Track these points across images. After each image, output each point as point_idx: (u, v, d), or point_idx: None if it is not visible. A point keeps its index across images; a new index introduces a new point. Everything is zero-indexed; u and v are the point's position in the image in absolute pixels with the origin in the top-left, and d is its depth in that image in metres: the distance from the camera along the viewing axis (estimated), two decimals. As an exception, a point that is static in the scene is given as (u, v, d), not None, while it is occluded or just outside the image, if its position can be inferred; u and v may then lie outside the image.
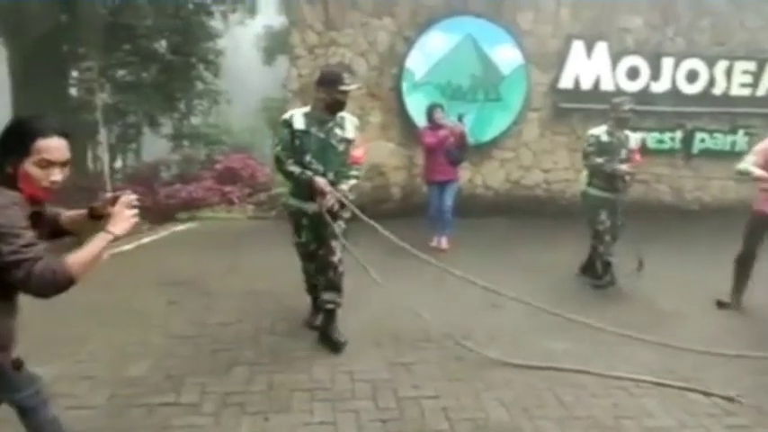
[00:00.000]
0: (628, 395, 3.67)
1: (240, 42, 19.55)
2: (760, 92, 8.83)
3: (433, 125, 6.74)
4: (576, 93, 8.41)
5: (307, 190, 3.99)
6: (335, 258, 4.10)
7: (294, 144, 3.98)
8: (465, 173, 8.24)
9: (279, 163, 4.06)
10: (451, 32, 8.21)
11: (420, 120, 7.45)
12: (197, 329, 4.45)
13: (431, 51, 8.21)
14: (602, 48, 8.43)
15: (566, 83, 8.50)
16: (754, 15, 8.81)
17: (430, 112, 6.80)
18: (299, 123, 3.98)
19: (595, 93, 8.45)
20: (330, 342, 4.12)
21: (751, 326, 4.83)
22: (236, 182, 8.58)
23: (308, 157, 3.98)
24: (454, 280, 5.78)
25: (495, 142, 8.65)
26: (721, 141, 8.93)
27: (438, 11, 8.20)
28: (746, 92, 8.81)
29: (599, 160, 5.45)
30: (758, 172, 4.69)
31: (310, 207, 4.04)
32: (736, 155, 8.55)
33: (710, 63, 8.70)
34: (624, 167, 5.44)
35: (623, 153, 5.51)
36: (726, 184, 8.73)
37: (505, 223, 8.13)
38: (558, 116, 8.57)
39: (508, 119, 8.51)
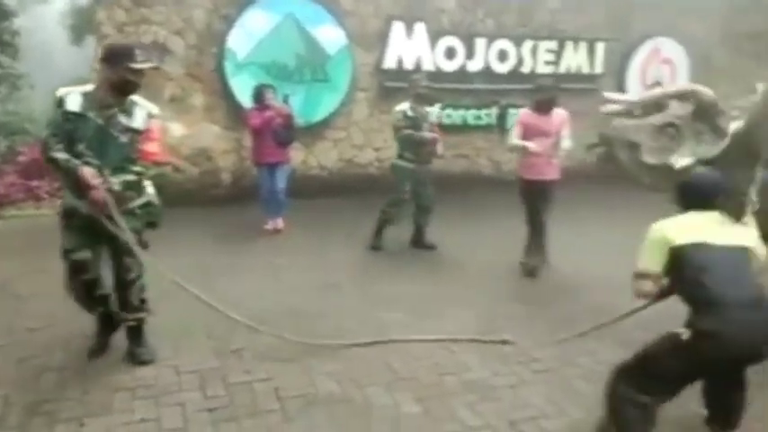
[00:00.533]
0: (449, 353, 3.91)
1: (43, 21, 17.74)
2: (561, 69, 9.73)
3: (260, 106, 6.62)
4: (399, 72, 8.68)
5: (77, 183, 3.30)
6: (131, 276, 3.57)
7: (65, 128, 3.32)
8: (298, 154, 8.21)
9: (44, 149, 3.33)
10: (272, 11, 8.07)
11: (246, 101, 7.26)
12: (3, 337, 4.03)
13: (252, 30, 8.01)
14: (420, 28, 8.78)
15: (389, 63, 8.75)
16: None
17: (259, 92, 6.67)
18: (74, 105, 3.33)
19: (417, 72, 8.78)
20: (137, 361, 3.66)
21: (543, 282, 5.40)
22: (44, 175, 7.74)
23: (80, 147, 3.33)
24: (287, 262, 5.82)
25: (326, 122, 8.70)
26: (530, 116, 9.74)
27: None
28: (550, 69, 9.66)
29: (408, 131, 5.91)
30: (528, 145, 5.26)
31: (84, 205, 3.37)
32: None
33: (518, 43, 9.42)
34: (429, 135, 5.96)
35: (425, 127, 6.01)
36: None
37: (341, 202, 8.24)
38: (384, 96, 8.80)
39: (337, 99, 8.59)
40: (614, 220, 7.03)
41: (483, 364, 3.73)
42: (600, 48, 9.87)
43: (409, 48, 8.79)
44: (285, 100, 6.81)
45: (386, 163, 9.07)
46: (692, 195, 2.93)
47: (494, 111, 9.52)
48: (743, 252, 2.76)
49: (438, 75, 8.81)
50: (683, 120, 3.73)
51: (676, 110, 3.78)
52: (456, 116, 9.25)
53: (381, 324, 4.32)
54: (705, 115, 3.68)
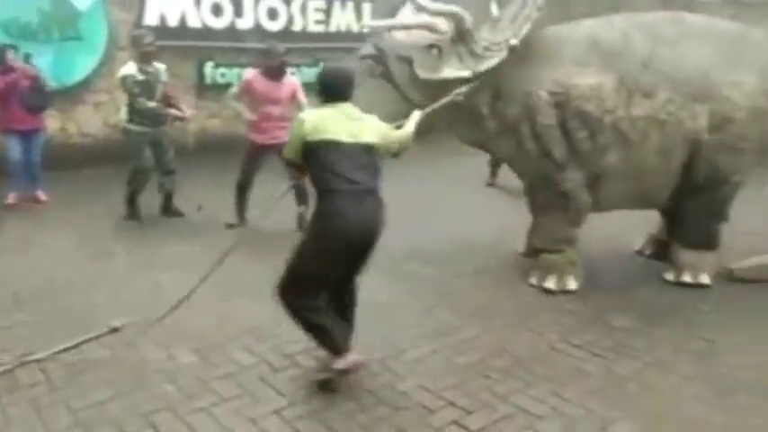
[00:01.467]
0: (228, 304, 3.99)
1: None
2: (332, 28, 9.99)
3: (4, 68, 5.92)
4: (164, 30, 8.23)
5: None
6: None
7: None
8: (54, 121, 7.46)
9: None
10: (8, -38, 7.14)
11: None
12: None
13: (-15, -15, 7.03)
14: (182, -17, 8.39)
15: (150, 20, 8.24)
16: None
17: (1, 54, 5.94)
18: None
19: (183, 30, 8.45)
20: None
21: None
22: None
23: None
24: (49, 238, 5.36)
25: (84, 85, 7.99)
26: (308, 74, 9.90)
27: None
28: (321, 28, 9.87)
29: (142, 100, 5.46)
30: (246, 116, 5.41)
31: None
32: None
33: (287, 1, 9.46)
34: (173, 111, 5.73)
35: (159, 87, 5.66)
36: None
37: (109, 171, 7.67)
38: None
39: (93, 59, 7.90)
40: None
41: (263, 312, 3.84)
42: (367, 7, 10.29)
43: (172, 4, 8.37)
44: (27, 59, 6.16)
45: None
46: (327, 88, 3.14)
47: (267, 69, 9.49)
48: (365, 148, 3.08)
49: (206, 32, 8.56)
50: (444, 42, 4.17)
51: (439, 32, 4.19)
52: (231, 75, 9.07)
53: (158, 287, 4.25)
54: (462, 40, 4.16)
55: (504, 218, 6.07)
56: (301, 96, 5.52)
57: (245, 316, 3.86)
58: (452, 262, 5.03)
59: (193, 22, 8.50)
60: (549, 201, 4.49)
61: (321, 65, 9.93)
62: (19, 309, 3.97)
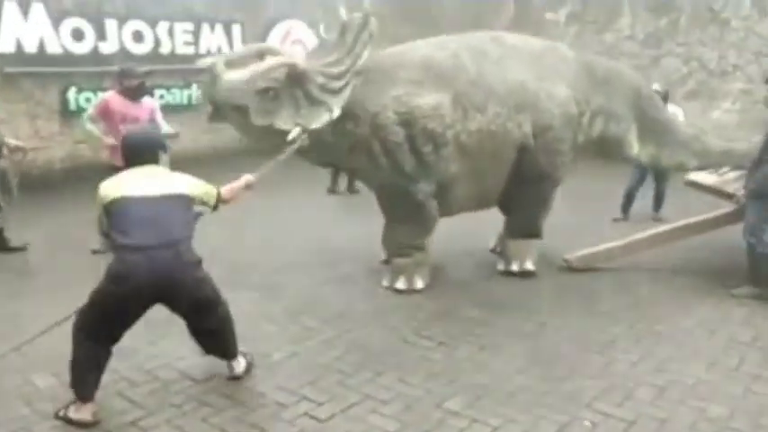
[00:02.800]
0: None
1: None
2: (201, 50, 10.04)
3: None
4: (19, 56, 8.00)
5: None
6: None
7: None
8: None
9: None
10: None
11: None
12: None
13: None
14: (38, 9, 8.18)
15: (6, 47, 7.98)
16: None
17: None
18: None
19: (42, 56, 8.24)
20: None
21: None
22: None
23: None
24: None
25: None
26: (179, 96, 9.90)
27: None
28: (190, 50, 9.90)
29: None
30: (106, 140, 5.35)
31: None
32: (193, 107, 9.67)
33: (153, 24, 9.43)
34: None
35: None
36: (197, 135, 9.66)
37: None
38: (6, 82, 8.01)
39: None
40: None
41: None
42: (236, 29, 10.45)
43: (28, 30, 8.13)
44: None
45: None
46: (129, 153, 3.22)
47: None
48: (168, 200, 3.07)
49: (68, 57, 8.38)
50: (280, 83, 4.22)
51: (274, 74, 4.23)
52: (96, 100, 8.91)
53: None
54: (298, 82, 4.26)
55: (355, 224, 6.47)
56: (159, 118, 5.55)
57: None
58: (315, 271, 5.32)
59: (53, 48, 8.30)
60: (403, 210, 4.80)
61: (194, 86, 10.03)
62: None
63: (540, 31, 11.69)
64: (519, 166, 4.94)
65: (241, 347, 3.54)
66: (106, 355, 3.13)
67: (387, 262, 5.20)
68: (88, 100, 8.69)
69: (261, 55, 4.50)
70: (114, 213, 3.03)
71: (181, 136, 6.01)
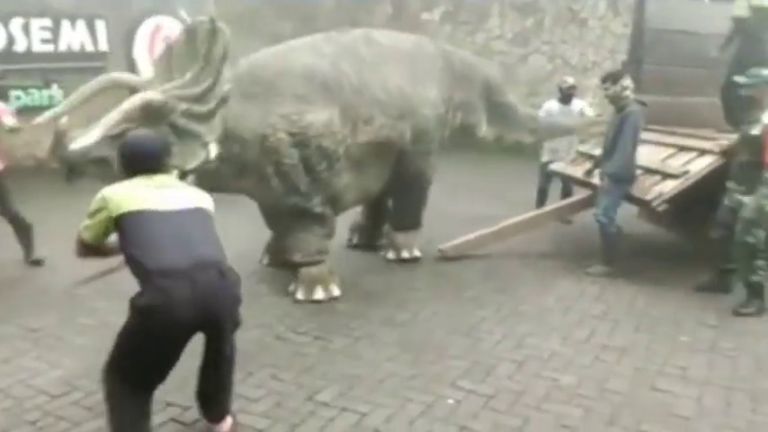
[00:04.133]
0: None
1: None
2: (61, 47, 9.42)
3: None
4: None
5: None
6: None
7: None
8: None
9: None
10: None
11: None
12: None
13: None
14: None
15: None
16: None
17: None
18: None
19: None
20: None
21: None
22: None
23: None
24: None
25: None
26: (38, 97, 9.22)
27: None
28: (49, 48, 9.26)
29: None
30: None
31: None
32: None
33: (5, 21, 8.74)
34: None
35: None
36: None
37: None
38: None
39: None
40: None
41: None
42: (100, 25, 9.88)
43: None
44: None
45: None
46: (135, 159, 2.74)
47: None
48: (192, 214, 2.66)
49: None
50: (138, 122, 3.57)
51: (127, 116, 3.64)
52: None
53: None
54: (159, 117, 3.66)
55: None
56: (7, 119, 5.00)
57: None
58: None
59: None
60: (303, 222, 4.60)
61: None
62: None
63: (416, 30, 12.00)
64: (398, 169, 5.07)
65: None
66: (151, 401, 2.69)
67: (273, 265, 5.21)
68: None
69: (107, 88, 3.96)
70: (133, 230, 2.52)
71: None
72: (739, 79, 4.60)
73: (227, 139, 4.05)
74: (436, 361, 3.72)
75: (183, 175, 3.64)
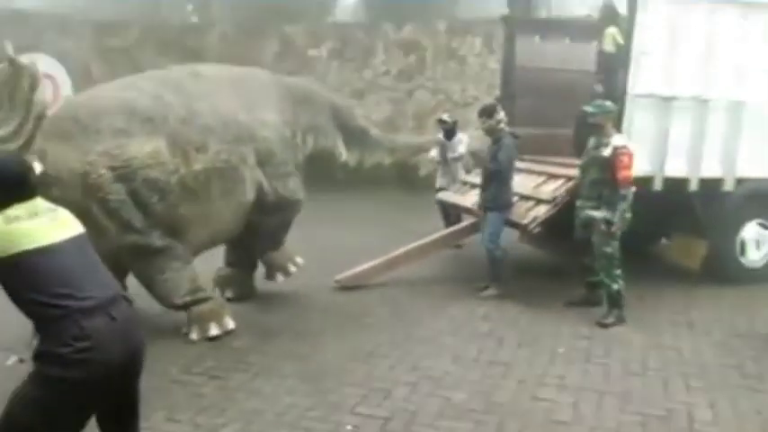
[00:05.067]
0: None
1: None
2: None
3: None
4: None
5: None
6: None
7: None
8: None
9: None
10: None
11: None
12: None
13: None
14: None
15: None
16: None
17: None
18: None
19: None
20: None
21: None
22: None
23: None
24: None
25: None
26: None
27: None
28: None
29: None
30: None
31: None
32: None
33: None
34: None
35: None
36: None
37: None
38: None
39: None
40: None
41: None
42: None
43: None
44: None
45: None
46: (5, 184, 2.30)
47: None
48: (81, 241, 2.39)
49: None
50: None
51: None
52: None
53: None
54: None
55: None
56: None
57: None
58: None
59: None
60: (154, 262, 4.44)
61: None
62: None
63: (304, 67, 12.29)
64: (259, 199, 4.95)
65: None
66: None
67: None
68: None
69: None
70: (29, 271, 2.15)
71: None
72: (587, 108, 5.15)
73: (43, 183, 3.55)
74: (335, 389, 3.81)
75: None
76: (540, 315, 5.13)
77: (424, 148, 7.06)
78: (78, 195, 4.04)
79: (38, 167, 3.59)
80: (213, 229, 4.83)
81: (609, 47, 7.11)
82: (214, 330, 4.58)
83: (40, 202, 2.36)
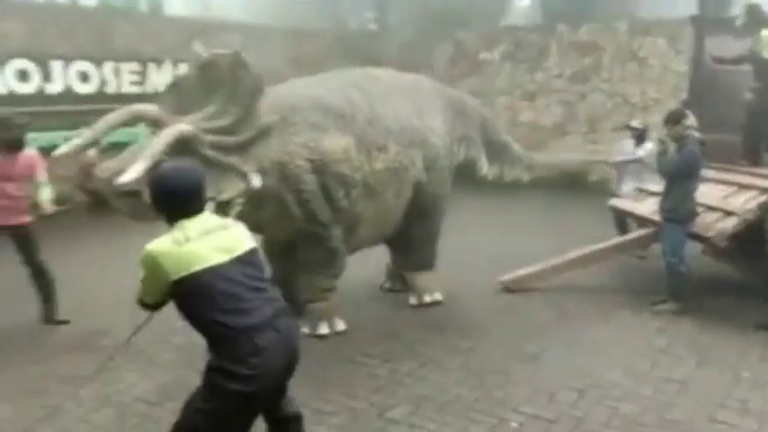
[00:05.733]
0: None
1: None
2: (148, 88, 10.21)
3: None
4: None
5: None
6: None
7: None
8: None
9: None
10: None
11: None
12: None
13: None
14: (-17, 50, 8.26)
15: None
16: (126, 24, 10.11)
17: None
18: None
19: (-14, 96, 8.29)
20: None
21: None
22: None
23: None
24: None
25: None
26: (126, 133, 9.98)
27: None
28: (136, 89, 10.07)
29: None
30: None
31: None
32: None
33: (98, 64, 9.59)
34: None
35: None
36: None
37: None
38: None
39: None
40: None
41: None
42: (184, 68, 10.66)
43: (-28, 70, 8.19)
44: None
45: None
46: (173, 200, 2.42)
47: (84, 131, 9.49)
48: (250, 257, 2.49)
49: (11, 98, 8.45)
50: (168, 154, 3.44)
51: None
52: (42, 139, 8.93)
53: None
54: (188, 148, 3.62)
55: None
56: (40, 174, 4.75)
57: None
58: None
59: (-2, 89, 8.37)
60: (316, 258, 4.63)
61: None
62: None
63: (475, 70, 12.42)
64: (414, 201, 5.10)
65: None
66: None
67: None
68: (34, 140, 8.74)
69: (128, 120, 3.91)
70: (203, 291, 2.32)
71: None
72: None
73: None
74: (500, 386, 3.91)
75: (219, 207, 3.65)
76: (724, 335, 4.78)
77: (561, 169, 6.83)
78: (274, 183, 4.23)
79: (256, 181, 3.92)
80: (378, 229, 5.04)
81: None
82: (323, 329, 4.68)
83: (210, 219, 2.48)
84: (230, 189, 3.84)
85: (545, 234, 7.61)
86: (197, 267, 2.29)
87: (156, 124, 3.81)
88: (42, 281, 4.93)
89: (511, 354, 4.41)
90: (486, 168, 5.90)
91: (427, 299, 5.40)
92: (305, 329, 4.56)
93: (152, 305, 2.47)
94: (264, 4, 13.44)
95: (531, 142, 11.35)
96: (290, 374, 2.52)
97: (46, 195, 4.70)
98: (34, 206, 4.77)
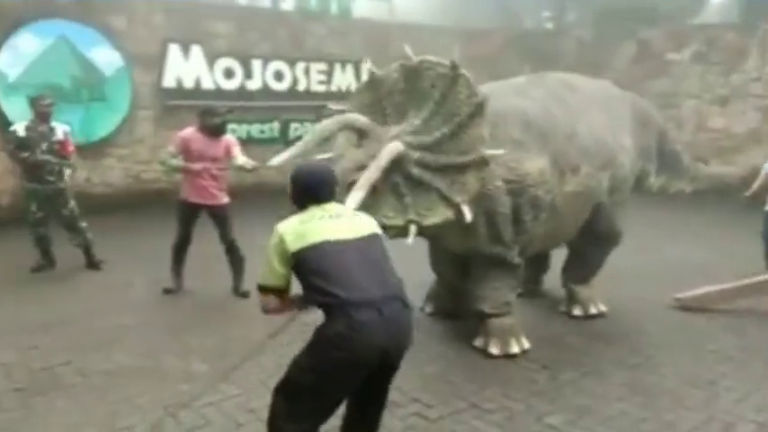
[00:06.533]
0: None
1: None
2: (333, 88, 10.95)
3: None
4: (179, 91, 9.23)
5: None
6: None
7: None
8: (80, 172, 8.28)
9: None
10: (43, 34, 8.23)
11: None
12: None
13: (23, 53, 8.07)
14: (197, 50, 9.40)
15: (169, 82, 9.24)
16: (319, 26, 10.89)
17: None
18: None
19: (198, 91, 9.43)
20: None
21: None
22: None
23: None
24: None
25: (107, 140, 8.91)
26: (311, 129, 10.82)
27: (23, 13, 8.05)
28: (323, 88, 10.84)
29: (24, 154, 5.68)
30: (187, 165, 5.19)
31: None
32: (324, 140, 10.52)
33: (292, 64, 10.46)
34: (48, 157, 5.72)
35: (45, 145, 5.73)
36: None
37: (127, 216, 8.46)
38: (167, 113, 9.25)
39: (117, 117, 8.90)
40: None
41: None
42: (366, 69, 11.24)
43: (187, 68, 9.36)
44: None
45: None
46: (307, 189, 2.69)
47: (275, 125, 10.44)
48: (371, 241, 2.64)
49: (218, 92, 9.52)
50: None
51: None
52: (240, 130, 9.98)
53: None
54: (396, 166, 3.60)
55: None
56: (237, 152, 5.30)
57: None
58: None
59: (207, 84, 9.48)
60: (496, 272, 4.38)
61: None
62: None
63: (661, 72, 11.63)
64: (593, 221, 4.86)
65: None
66: None
67: (437, 314, 5.10)
68: (234, 131, 9.78)
69: (341, 128, 3.95)
70: (317, 262, 2.49)
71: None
72: None
73: None
74: (669, 408, 3.71)
75: (420, 231, 3.66)
76: None
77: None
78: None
79: (469, 216, 3.70)
80: (544, 244, 4.86)
81: None
82: (515, 348, 4.40)
83: (339, 208, 2.71)
84: (435, 215, 3.70)
85: (723, 246, 6.98)
86: (314, 240, 2.51)
87: (362, 135, 3.83)
88: (234, 257, 5.54)
89: (683, 376, 4.16)
90: (653, 179, 5.53)
91: (593, 310, 5.22)
92: (494, 350, 4.37)
93: (271, 288, 2.62)
94: (443, 5, 13.67)
95: (717, 150, 10.48)
96: (391, 359, 2.57)
97: (243, 160, 5.22)
98: (239, 169, 5.32)
